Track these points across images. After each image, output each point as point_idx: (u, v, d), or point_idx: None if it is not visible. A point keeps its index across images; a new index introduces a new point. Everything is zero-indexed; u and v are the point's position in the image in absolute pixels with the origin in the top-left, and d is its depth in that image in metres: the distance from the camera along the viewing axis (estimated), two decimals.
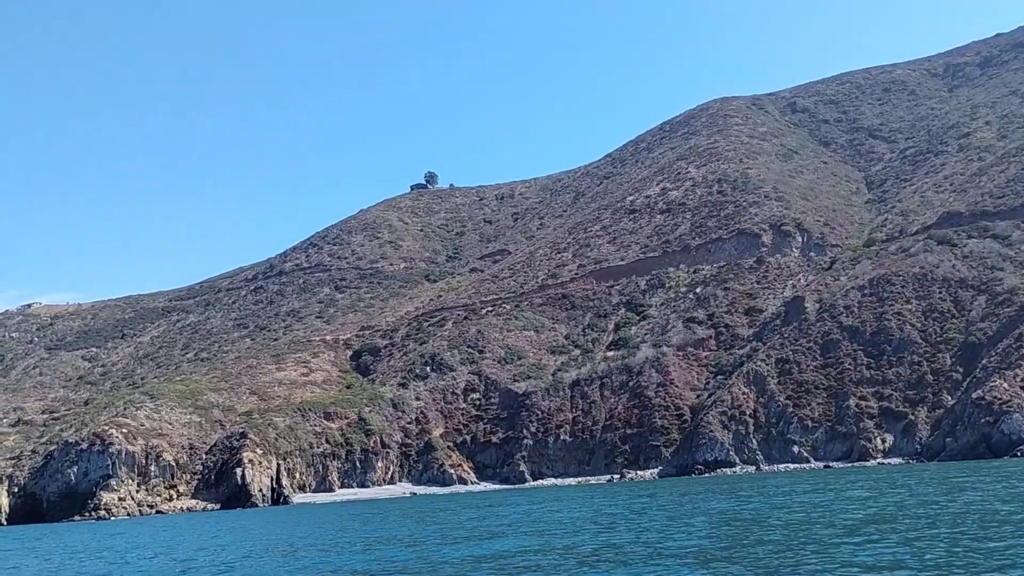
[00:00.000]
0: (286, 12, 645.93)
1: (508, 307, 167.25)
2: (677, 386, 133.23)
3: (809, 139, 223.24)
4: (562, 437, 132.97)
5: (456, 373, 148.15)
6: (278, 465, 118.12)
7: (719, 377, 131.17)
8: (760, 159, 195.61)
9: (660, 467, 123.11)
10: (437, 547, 38.88)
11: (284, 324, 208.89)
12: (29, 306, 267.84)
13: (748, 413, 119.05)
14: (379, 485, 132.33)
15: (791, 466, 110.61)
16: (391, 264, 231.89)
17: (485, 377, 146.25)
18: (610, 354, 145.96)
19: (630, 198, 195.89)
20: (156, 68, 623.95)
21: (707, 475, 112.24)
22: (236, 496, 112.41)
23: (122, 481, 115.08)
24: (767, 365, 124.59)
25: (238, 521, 77.10)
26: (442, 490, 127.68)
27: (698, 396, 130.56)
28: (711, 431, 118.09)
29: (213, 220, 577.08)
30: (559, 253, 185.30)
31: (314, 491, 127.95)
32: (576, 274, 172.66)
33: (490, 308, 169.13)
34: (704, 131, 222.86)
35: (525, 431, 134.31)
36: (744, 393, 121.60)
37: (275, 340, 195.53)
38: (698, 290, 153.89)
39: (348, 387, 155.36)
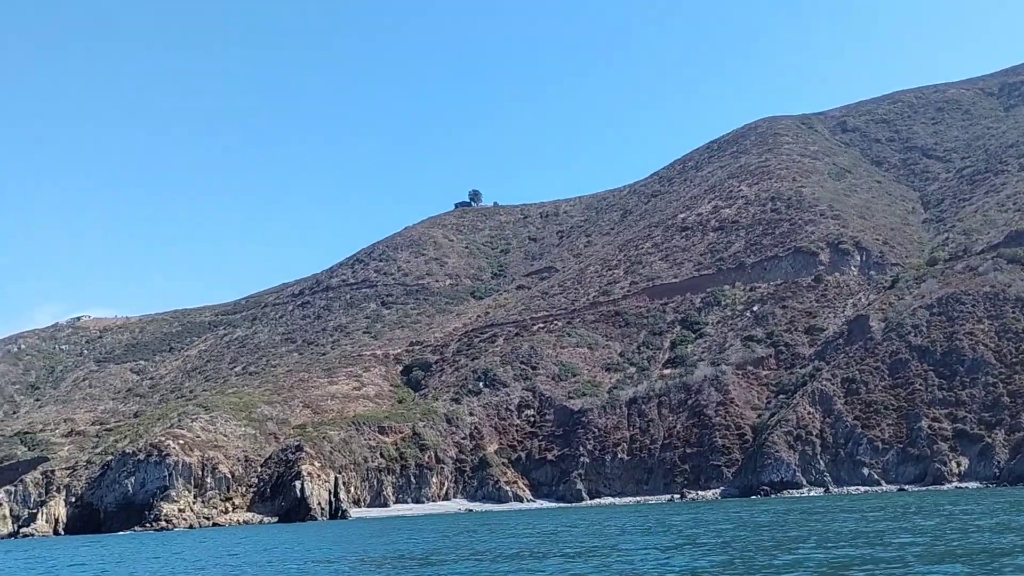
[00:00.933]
0: (333, 30, 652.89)
1: (560, 324, 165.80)
2: (737, 405, 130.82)
3: (861, 158, 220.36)
4: (619, 455, 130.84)
5: (510, 389, 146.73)
6: (336, 479, 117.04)
7: (781, 396, 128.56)
8: (813, 178, 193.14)
9: (722, 487, 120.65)
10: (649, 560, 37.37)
11: (332, 339, 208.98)
12: (78, 319, 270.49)
13: (814, 433, 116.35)
14: (434, 501, 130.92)
15: (862, 489, 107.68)
16: (437, 281, 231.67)
17: (539, 393, 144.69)
18: (667, 372, 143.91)
19: (681, 216, 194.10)
20: (203, 83, 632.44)
21: (773, 496, 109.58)
22: (295, 509, 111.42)
23: (179, 492, 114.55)
24: (833, 384, 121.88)
25: (318, 534, 75.75)
26: (498, 507, 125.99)
27: (759, 415, 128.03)
28: (776, 451, 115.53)
29: (258, 236, 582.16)
30: (610, 270, 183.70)
31: (368, 506, 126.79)
32: (628, 291, 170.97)
33: (541, 324, 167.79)
34: (754, 150, 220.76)
35: (581, 448, 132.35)
36: (809, 413, 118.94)
37: (323, 355, 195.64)
38: (755, 308, 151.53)
39: (400, 401, 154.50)
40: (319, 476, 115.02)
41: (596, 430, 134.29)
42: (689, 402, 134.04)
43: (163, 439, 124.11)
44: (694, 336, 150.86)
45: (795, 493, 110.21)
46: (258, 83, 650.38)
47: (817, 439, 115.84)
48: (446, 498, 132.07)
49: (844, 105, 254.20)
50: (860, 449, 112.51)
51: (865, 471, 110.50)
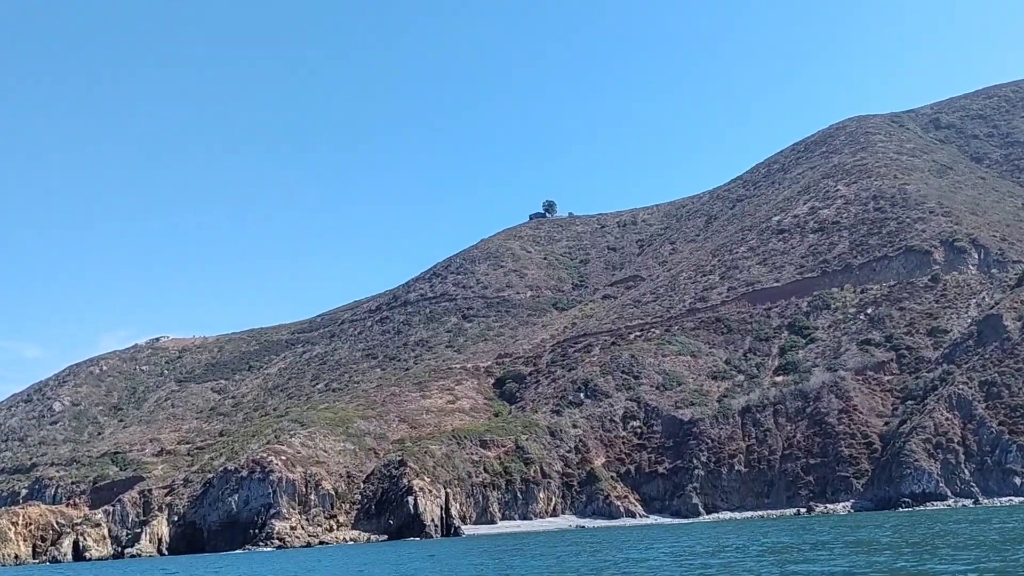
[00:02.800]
0: (398, 39, 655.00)
1: (658, 332, 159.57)
2: (861, 412, 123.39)
3: (959, 155, 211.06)
4: (736, 467, 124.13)
5: (613, 400, 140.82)
6: (447, 494, 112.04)
7: (909, 403, 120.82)
8: (915, 175, 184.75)
9: (852, 499, 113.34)
10: None
11: (414, 354, 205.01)
12: (157, 340, 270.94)
13: (956, 441, 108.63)
14: (541, 517, 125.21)
15: (1015, 499, 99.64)
16: (517, 293, 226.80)
17: (644, 404, 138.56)
18: (779, 379, 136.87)
19: (776, 218, 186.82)
20: (277, 97, 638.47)
21: (916, 509, 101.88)
22: (408, 526, 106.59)
23: (289, 510, 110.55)
24: (970, 388, 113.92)
25: (464, 553, 70.62)
26: (610, 523, 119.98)
27: (886, 423, 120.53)
28: (916, 460, 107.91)
29: (326, 254, 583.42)
30: (704, 276, 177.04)
31: (475, 523, 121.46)
32: (727, 297, 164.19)
33: (638, 333, 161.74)
34: (846, 149, 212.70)
35: (695, 461, 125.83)
36: (948, 419, 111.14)
37: (407, 369, 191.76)
38: (869, 311, 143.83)
39: (496, 415, 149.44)
40: (431, 492, 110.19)
41: (709, 441, 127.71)
42: (808, 410, 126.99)
43: (265, 455, 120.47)
44: (804, 341, 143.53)
45: (940, 505, 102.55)
46: (329, 94, 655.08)
47: (959, 447, 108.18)
48: (554, 514, 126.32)
49: (935, 102, 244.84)
50: (1009, 457, 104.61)
51: (1017, 480, 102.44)
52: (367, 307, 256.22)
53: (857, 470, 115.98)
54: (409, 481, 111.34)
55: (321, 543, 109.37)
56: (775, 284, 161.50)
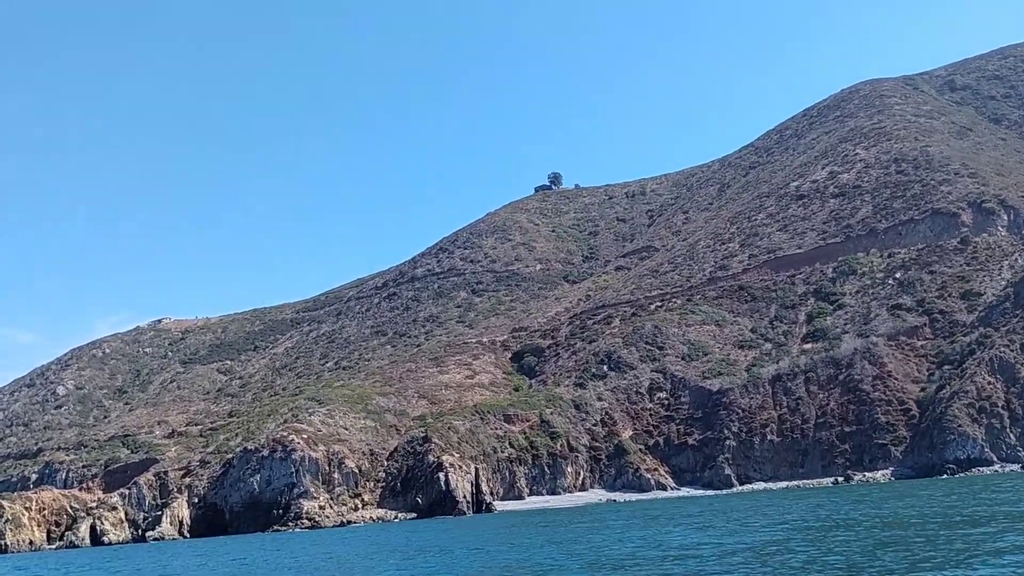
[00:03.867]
0: (406, 15, 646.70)
1: (679, 301, 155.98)
2: (896, 378, 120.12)
3: (977, 116, 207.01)
4: (769, 437, 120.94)
5: (638, 371, 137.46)
6: (476, 470, 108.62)
7: (946, 367, 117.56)
8: (935, 137, 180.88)
9: (891, 467, 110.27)
10: None
11: (425, 330, 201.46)
12: (159, 321, 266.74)
13: (1000, 405, 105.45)
14: (570, 492, 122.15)
15: None
16: (527, 266, 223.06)
17: (671, 374, 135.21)
18: (807, 346, 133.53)
19: (794, 184, 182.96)
20: (276, 73, 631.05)
21: (961, 475, 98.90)
22: (439, 504, 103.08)
23: (311, 489, 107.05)
24: (1011, 351, 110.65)
25: (523, 531, 67.14)
26: (640, 496, 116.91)
27: (923, 389, 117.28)
28: (959, 426, 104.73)
29: (329, 233, 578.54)
30: (723, 244, 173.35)
31: (502, 499, 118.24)
32: (749, 265, 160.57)
33: (659, 303, 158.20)
34: (861, 113, 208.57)
35: (726, 431, 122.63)
36: (990, 383, 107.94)
37: (418, 346, 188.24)
38: (898, 275, 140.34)
39: (516, 389, 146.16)
40: (461, 468, 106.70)
41: (740, 411, 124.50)
42: (840, 377, 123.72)
43: (285, 434, 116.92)
44: (832, 308, 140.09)
45: (986, 471, 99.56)
46: (331, 70, 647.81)
47: (1004, 411, 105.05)
48: (583, 488, 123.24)
49: (948, 64, 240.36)
50: None
51: None
52: (373, 284, 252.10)
53: (895, 437, 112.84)
54: (438, 457, 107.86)
55: (349, 522, 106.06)
56: (798, 250, 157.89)
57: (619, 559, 35.84)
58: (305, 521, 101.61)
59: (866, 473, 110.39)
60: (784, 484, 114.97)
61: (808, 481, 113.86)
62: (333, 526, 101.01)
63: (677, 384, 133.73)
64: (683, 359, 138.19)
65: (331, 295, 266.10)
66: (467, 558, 41.11)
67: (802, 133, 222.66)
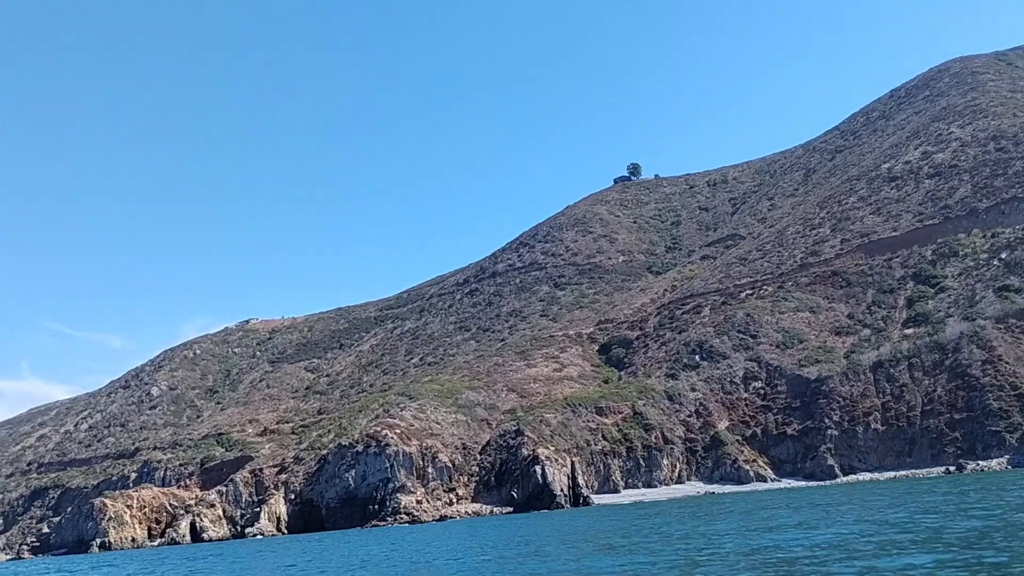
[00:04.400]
0: (489, 6, 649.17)
1: (770, 289, 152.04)
2: (1007, 362, 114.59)
3: None
4: (873, 426, 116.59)
5: (731, 360, 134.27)
6: (572, 463, 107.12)
7: None
8: None
9: (1007, 455, 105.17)
10: None
11: (508, 324, 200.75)
12: (247, 322, 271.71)
13: None
14: (666, 484, 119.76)
15: None
16: (609, 258, 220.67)
17: (766, 363, 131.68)
18: (909, 331, 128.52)
19: (885, 166, 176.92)
20: (355, 72, 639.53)
21: None
22: (536, 497, 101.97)
23: (408, 484, 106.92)
24: None
25: (647, 525, 65.40)
26: (739, 488, 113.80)
27: None
28: None
29: (407, 231, 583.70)
30: (813, 229, 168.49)
31: (597, 492, 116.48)
32: (841, 249, 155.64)
33: (749, 291, 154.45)
34: (953, 91, 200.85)
35: (827, 421, 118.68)
36: None
37: (502, 340, 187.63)
38: (1003, 255, 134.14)
39: (605, 381, 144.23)
40: (557, 461, 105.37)
41: (841, 399, 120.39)
42: (946, 362, 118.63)
43: (379, 429, 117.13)
44: (933, 291, 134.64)
45: None
46: (404, 69, 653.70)
47: None
48: (679, 481, 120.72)
49: None
50: None
51: None
52: (454, 280, 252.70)
53: (1009, 424, 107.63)
54: (533, 450, 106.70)
55: (445, 517, 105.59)
56: (893, 233, 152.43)
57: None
58: (403, 516, 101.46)
59: (979, 462, 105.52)
60: (891, 474, 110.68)
61: (917, 471, 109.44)
62: (432, 520, 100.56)
63: (773, 373, 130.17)
64: (778, 347, 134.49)
65: (412, 292, 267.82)
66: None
67: (890, 114, 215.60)
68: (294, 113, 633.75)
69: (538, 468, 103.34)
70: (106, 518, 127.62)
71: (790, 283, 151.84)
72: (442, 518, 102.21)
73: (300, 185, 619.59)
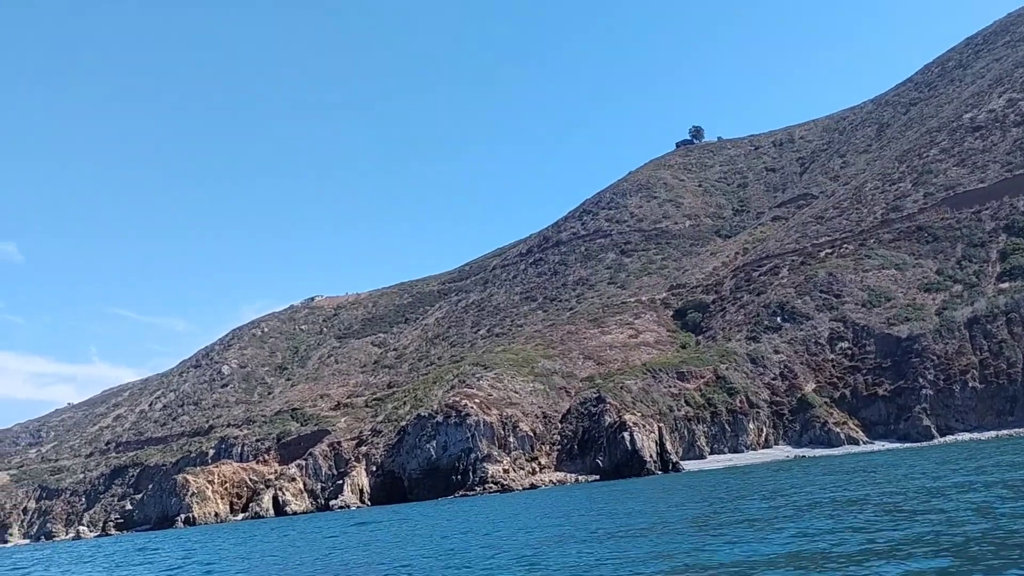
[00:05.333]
0: None
1: (851, 247, 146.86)
2: None
3: None
4: (971, 384, 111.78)
5: (815, 321, 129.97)
6: (660, 429, 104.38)
7: None
8: None
9: None
10: None
11: (575, 293, 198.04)
12: (312, 299, 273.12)
13: None
14: (753, 449, 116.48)
15: None
16: (675, 223, 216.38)
17: (852, 323, 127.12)
18: (1004, 286, 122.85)
19: (967, 115, 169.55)
20: (410, 41, 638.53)
21: None
22: (626, 464, 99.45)
23: (494, 453, 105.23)
24: None
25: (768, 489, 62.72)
26: (830, 452, 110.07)
27: None
28: None
29: (463, 205, 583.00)
30: (893, 185, 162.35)
31: (682, 458, 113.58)
32: (925, 204, 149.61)
33: (829, 250, 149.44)
34: None
35: (921, 380, 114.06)
36: None
37: (570, 309, 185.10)
38: None
39: (683, 346, 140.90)
40: (644, 427, 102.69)
41: (935, 358, 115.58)
42: None
43: (458, 399, 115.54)
44: None
45: None
46: (460, 37, 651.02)
47: None
48: (766, 445, 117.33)
49: None
50: None
51: None
52: (517, 251, 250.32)
53: None
54: (619, 416, 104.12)
55: (535, 485, 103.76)
56: (980, 185, 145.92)
57: None
58: (491, 485, 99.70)
59: None
60: (992, 433, 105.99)
61: (1020, 430, 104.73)
62: (521, 489, 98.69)
63: (860, 333, 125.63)
64: (864, 306, 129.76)
65: (474, 265, 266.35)
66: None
67: (967, 63, 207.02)
68: (355, 86, 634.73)
69: (626, 434, 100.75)
70: (189, 493, 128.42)
71: (872, 240, 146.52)
72: (532, 486, 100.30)
73: (351, 160, 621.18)
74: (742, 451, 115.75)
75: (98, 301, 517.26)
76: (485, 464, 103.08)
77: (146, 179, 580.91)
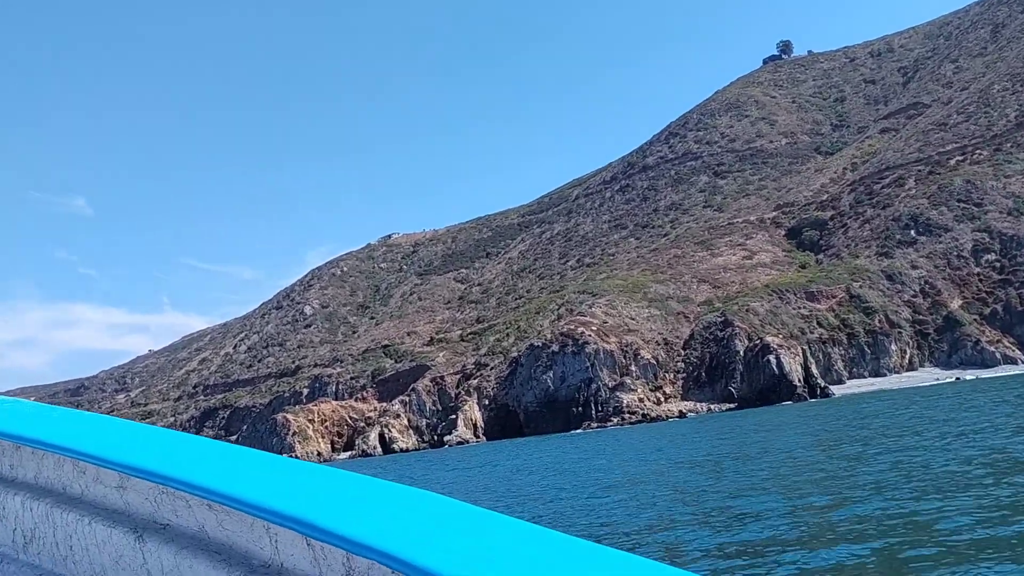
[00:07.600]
0: None
1: (985, 152, 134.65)
2: None
3: None
4: None
5: (955, 232, 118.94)
6: (804, 351, 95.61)
7: None
8: None
9: None
10: None
11: (668, 219, 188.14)
12: (389, 237, 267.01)
13: None
14: (896, 372, 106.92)
15: None
16: (771, 142, 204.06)
17: (998, 233, 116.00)
18: None
19: None
20: None
21: None
22: (772, 389, 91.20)
23: (624, 382, 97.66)
24: None
25: None
26: (987, 373, 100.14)
27: None
28: None
29: (538, 135, 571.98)
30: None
31: None
32: None
33: (960, 157, 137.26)
34: None
35: None
36: None
37: (664, 235, 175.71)
38: None
39: (803, 266, 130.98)
40: (789, 349, 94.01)
41: None
42: None
43: (573, 327, 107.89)
44: None
45: None
46: None
47: None
48: (910, 367, 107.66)
49: None
50: None
51: None
52: (600, 179, 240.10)
53: None
54: (761, 339, 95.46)
55: (658, 417, 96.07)
56: None
57: None
58: (629, 415, 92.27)
59: None
60: None
61: None
62: (672, 419, 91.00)
63: (1008, 243, 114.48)
64: (1010, 215, 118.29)
65: (554, 196, 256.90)
66: None
67: None
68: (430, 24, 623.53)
69: (771, 357, 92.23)
70: (291, 433, 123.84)
71: (1008, 144, 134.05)
72: (681, 414, 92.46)
73: (429, 96, 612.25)
74: (884, 374, 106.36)
75: (166, 252, 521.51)
76: (619, 393, 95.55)
77: (209, 124, 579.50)
